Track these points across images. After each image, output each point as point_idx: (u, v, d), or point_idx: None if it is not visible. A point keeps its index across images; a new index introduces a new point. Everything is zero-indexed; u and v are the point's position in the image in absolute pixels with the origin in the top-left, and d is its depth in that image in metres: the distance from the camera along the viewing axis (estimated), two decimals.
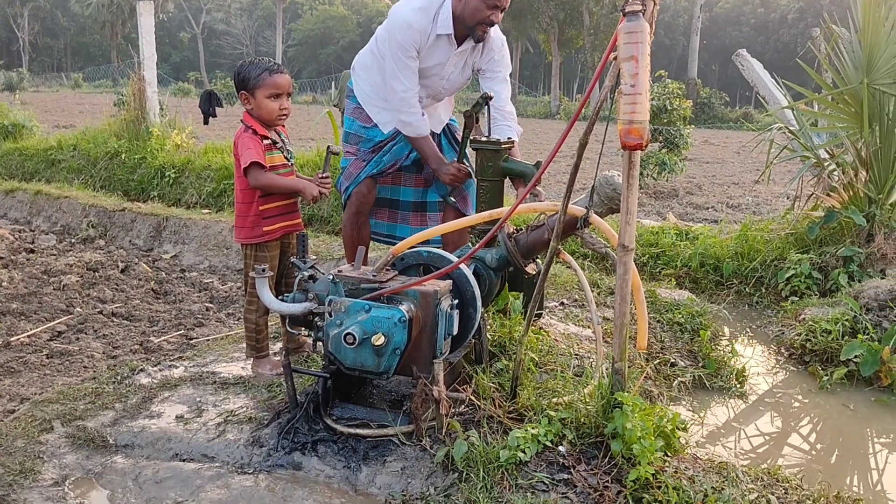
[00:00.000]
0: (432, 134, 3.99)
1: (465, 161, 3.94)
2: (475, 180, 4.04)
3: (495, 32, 3.78)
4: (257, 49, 77.12)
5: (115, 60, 59.84)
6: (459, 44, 3.71)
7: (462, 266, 2.81)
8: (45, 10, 70.98)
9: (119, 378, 3.31)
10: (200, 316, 4.89)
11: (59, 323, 4.59)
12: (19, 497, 2.44)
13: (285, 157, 3.27)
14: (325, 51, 72.71)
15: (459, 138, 4.14)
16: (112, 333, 4.47)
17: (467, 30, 3.64)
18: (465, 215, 3.99)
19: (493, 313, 3.62)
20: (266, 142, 3.17)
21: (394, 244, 4.25)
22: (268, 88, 3.10)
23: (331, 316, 2.59)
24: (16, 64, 59.98)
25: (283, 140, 3.31)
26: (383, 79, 3.76)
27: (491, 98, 3.73)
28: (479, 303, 2.87)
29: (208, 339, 4.26)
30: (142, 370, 3.40)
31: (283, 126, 3.34)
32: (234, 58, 76.97)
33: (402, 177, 4.05)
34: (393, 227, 4.19)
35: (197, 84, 50.64)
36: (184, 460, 2.70)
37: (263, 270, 2.78)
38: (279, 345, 3.64)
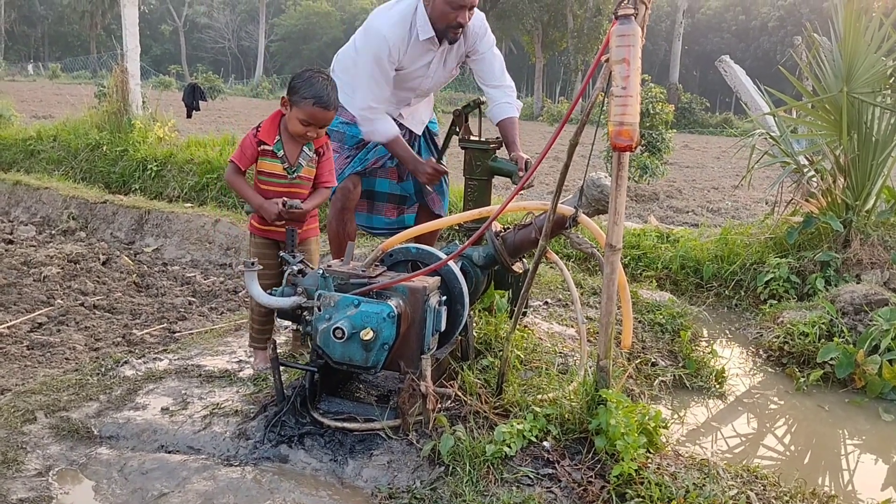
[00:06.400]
0: (412, 135, 4.02)
1: (432, 143, 4.05)
2: (448, 185, 4.11)
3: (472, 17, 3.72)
4: (239, 44, 76.67)
5: (94, 51, 59.22)
6: (441, 42, 3.73)
7: (450, 263, 2.84)
8: None
9: (103, 370, 3.30)
10: (183, 310, 4.88)
11: (39, 314, 4.56)
12: (2, 487, 2.42)
13: (284, 169, 3.13)
14: (307, 47, 72.41)
15: (439, 142, 4.19)
16: (94, 326, 4.44)
17: (438, 33, 3.64)
18: (437, 214, 4.04)
19: (479, 311, 3.65)
20: (265, 147, 3.11)
21: (374, 233, 4.32)
22: (304, 113, 3.00)
23: (320, 310, 2.61)
24: None
25: (303, 150, 3.15)
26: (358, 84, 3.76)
27: (483, 103, 3.77)
28: (467, 300, 2.90)
29: (192, 333, 4.26)
30: (126, 362, 3.39)
31: (323, 138, 3.21)
32: (215, 52, 76.62)
33: (378, 170, 4.07)
34: (370, 218, 4.22)
35: (178, 77, 50.22)
36: (169, 452, 2.70)
37: (253, 263, 2.78)
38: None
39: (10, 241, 6.49)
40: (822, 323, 4.30)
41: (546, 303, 4.47)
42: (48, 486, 2.47)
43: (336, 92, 3.07)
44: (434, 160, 3.86)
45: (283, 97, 3.09)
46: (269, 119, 3.15)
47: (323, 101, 2.99)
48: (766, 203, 8.00)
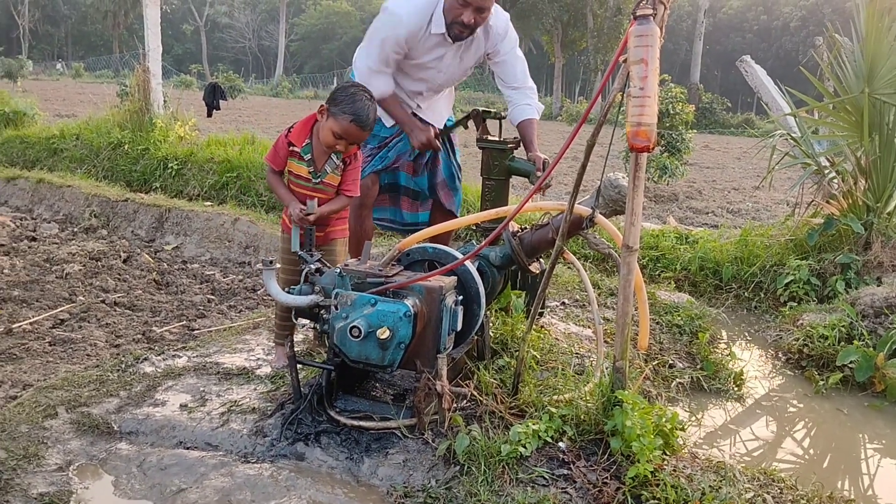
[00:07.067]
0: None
1: (450, 147, 4.05)
2: (461, 182, 4.13)
3: (495, 18, 3.73)
4: (260, 43, 77.09)
5: (116, 51, 59.80)
6: (456, 41, 3.74)
7: (467, 263, 2.84)
8: None
9: (123, 366, 3.34)
10: (202, 307, 4.91)
11: (61, 311, 4.61)
12: (23, 481, 2.46)
13: (309, 173, 3.15)
14: (327, 46, 72.68)
15: (456, 141, 4.20)
16: (114, 322, 4.49)
17: (447, 27, 3.64)
18: (450, 210, 4.06)
19: (496, 311, 3.65)
20: (293, 149, 3.14)
21: (396, 229, 4.34)
22: (339, 127, 2.99)
23: (337, 309, 2.62)
24: (15, 51, 59.84)
25: (330, 157, 3.16)
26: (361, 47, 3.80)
27: (504, 118, 3.79)
28: (483, 300, 2.91)
29: (210, 331, 4.29)
30: (145, 359, 3.43)
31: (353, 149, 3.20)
32: (235, 51, 77.11)
33: (399, 164, 4.09)
34: (396, 212, 4.24)
35: (199, 76, 50.58)
36: (188, 448, 2.73)
37: (272, 262, 2.80)
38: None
39: (34, 239, 6.56)
40: (842, 326, 4.26)
41: (563, 303, 4.47)
42: (68, 480, 2.51)
43: (375, 113, 3.08)
44: (436, 131, 3.85)
45: (322, 105, 3.09)
46: (302, 122, 3.17)
47: (361, 120, 2.99)
48: (787, 204, 7.95)
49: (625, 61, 2.34)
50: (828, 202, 5.60)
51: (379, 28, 3.70)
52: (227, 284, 5.51)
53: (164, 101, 9.55)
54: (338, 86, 3.15)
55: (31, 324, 4.34)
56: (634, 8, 2.29)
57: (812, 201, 5.78)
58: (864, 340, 4.14)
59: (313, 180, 3.16)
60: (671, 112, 10.91)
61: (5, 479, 2.43)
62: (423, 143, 3.73)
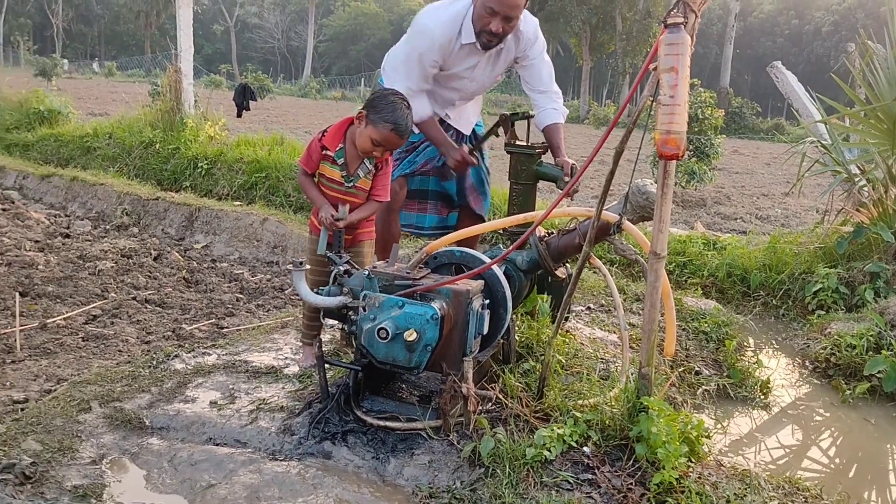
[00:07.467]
0: (460, 135, 4.06)
1: (479, 154, 4.05)
2: (489, 186, 4.15)
3: (524, 23, 3.74)
4: (288, 44, 77.65)
5: (148, 51, 60.53)
6: (486, 49, 3.76)
7: (494, 267, 2.86)
8: None
9: (154, 362, 3.40)
10: (231, 306, 4.98)
11: (94, 307, 4.69)
12: (58, 473, 2.51)
13: (342, 177, 3.19)
14: (355, 47, 73.05)
15: (485, 145, 4.22)
16: (145, 319, 4.57)
17: (476, 36, 3.65)
18: (479, 214, 4.08)
19: (522, 315, 3.67)
20: (327, 153, 3.18)
21: (422, 235, 4.38)
22: (378, 135, 3.02)
23: (365, 310, 2.66)
24: (49, 50, 60.76)
25: (363, 162, 3.19)
26: (397, 68, 3.83)
27: (532, 116, 3.80)
28: (510, 304, 2.93)
29: (239, 329, 4.35)
30: (176, 356, 3.48)
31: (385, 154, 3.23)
32: (264, 51, 77.75)
33: (429, 170, 4.11)
34: (421, 217, 4.27)
35: (228, 76, 51.08)
36: (217, 444, 2.77)
37: (301, 263, 2.84)
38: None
39: (67, 236, 6.68)
40: (871, 335, 4.22)
41: (589, 308, 4.47)
42: (101, 473, 2.56)
43: (412, 120, 3.12)
44: (468, 148, 3.89)
45: (360, 111, 3.12)
46: (336, 126, 3.20)
47: (401, 128, 3.03)
48: (817, 212, 7.87)
49: (655, 69, 2.35)
50: (858, 210, 5.55)
51: (411, 45, 3.73)
52: (256, 283, 5.57)
53: (195, 101, 9.66)
54: (376, 93, 3.18)
55: (64, 319, 4.42)
56: (665, 16, 2.31)
57: (842, 209, 5.73)
58: (892, 350, 4.10)
59: (346, 184, 3.20)
60: (700, 117, 10.83)
61: (41, 471, 2.48)
62: (458, 161, 3.77)
